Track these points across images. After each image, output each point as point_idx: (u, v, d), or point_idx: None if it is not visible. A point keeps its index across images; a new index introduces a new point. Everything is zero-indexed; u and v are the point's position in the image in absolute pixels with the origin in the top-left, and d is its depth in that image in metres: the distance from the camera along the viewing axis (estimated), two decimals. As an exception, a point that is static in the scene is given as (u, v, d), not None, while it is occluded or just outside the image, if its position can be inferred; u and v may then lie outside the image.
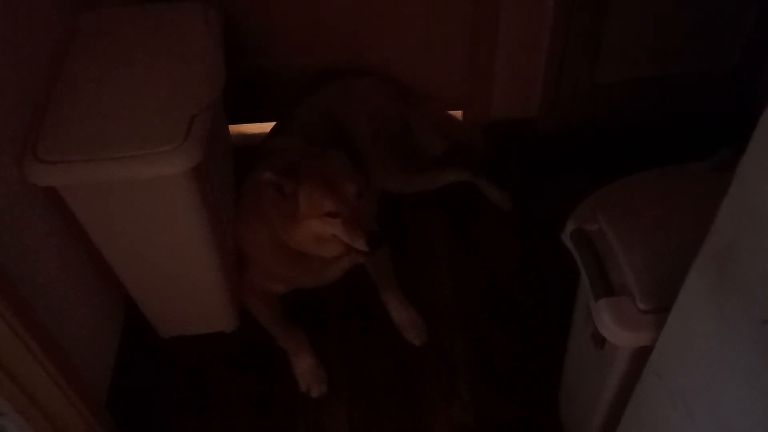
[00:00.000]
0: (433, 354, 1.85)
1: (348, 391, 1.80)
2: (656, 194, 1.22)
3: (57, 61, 1.58)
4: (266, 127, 2.15)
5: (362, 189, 1.67)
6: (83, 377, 1.57)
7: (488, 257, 2.06)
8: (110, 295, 1.80)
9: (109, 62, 1.58)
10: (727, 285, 0.78)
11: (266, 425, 1.75)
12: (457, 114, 2.38)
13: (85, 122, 1.44)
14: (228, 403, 1.79)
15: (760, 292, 0.71)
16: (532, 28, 2.10)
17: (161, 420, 1.77)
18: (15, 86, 1.43)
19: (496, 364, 1.83)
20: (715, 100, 2.30)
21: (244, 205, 1.86)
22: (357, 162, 1.82)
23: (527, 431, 1.71)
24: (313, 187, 1.62)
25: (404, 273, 1.98)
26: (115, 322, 1.83)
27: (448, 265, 2.04)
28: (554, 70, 2.17)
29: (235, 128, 2.31)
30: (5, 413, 1.35)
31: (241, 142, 2.24)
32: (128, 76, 1.54)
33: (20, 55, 1.46)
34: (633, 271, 1.07)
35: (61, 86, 1.52)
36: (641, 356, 1.07)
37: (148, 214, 1.53)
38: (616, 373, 1.18)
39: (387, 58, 2.24)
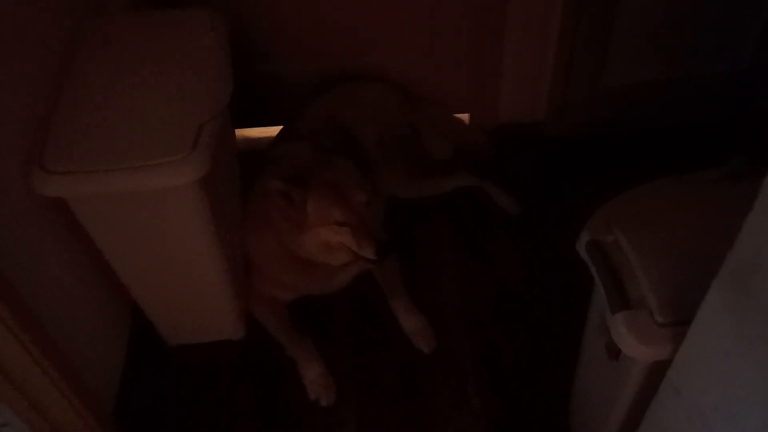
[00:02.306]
0: (442, 361, 1.84)
1: (357, 399, 1.79)
2: (671, 204, 1.20)
3: (63, 70, 1.56)
4: (271, 131, 2.14)
5: (371, 197, 1.66)
6: (90, 386, 1.56)
7: (496, 262, 2.05)
8: (117, 304, 1.79)
9: (116, 70, 1.56)
10: (747, 303, 0.77)
11: (275, 434, 1.75)
12: (464, 118, 2.36)
13: (92, 132, 1.43)
14: (236, 411, 1.78)
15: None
16: (539, 30, 2.09)
17: (169, 429, 1.76)
18: (21, 95, 1.42)
19: (505, 371, 1.82)
20: (724, 102, 2.28)
21: (251, 212, 1.85)
22: (364, 168, 1.81)
23: (538, 440, 1.70)
24: (321, 195, 1.61)
25: (412, 279, 1.97)
26: (123, 330, 1.82)
27: (457, 271, 2.03)
28: (562, 73, 2.16)
29: (240, 132, 2.30)
30: (10, 423, 1.35)
31: (246, 147, 2.23)
32: (135, 85, 1.53)
33: (26, 63, 1.44)
34: (650, 284, 1.05)
35: (67, 95, 1.51)
36: (657, 369, 1.05)
37: (155, 224, 1.52)
38: (631, 386, 1.17)
39: (393, 63, 2.22)
